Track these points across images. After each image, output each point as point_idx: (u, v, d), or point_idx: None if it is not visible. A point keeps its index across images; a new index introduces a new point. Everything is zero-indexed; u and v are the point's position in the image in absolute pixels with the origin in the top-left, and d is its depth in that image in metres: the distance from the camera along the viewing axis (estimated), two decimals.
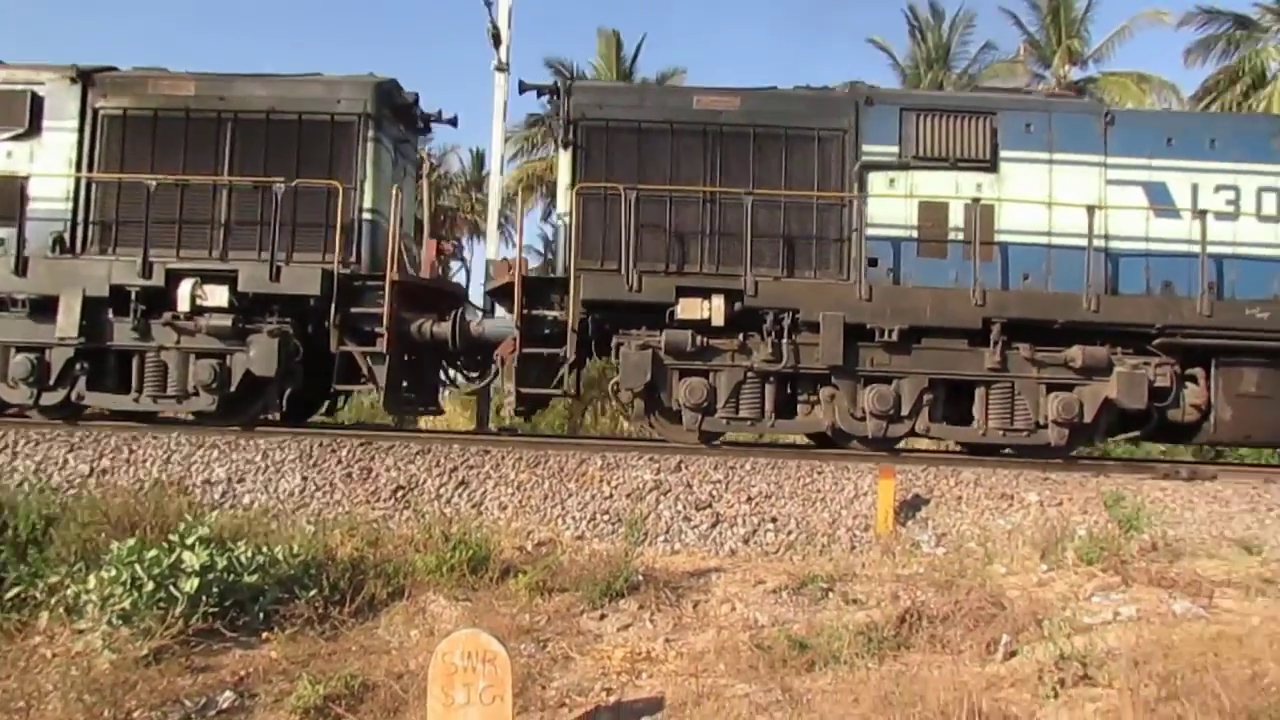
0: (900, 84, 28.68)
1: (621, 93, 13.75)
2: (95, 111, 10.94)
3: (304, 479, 8.44)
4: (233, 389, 10.51)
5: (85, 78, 10.98)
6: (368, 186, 10.87)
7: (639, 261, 10.39)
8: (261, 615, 5.81)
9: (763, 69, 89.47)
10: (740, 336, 10.31)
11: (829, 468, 8.94)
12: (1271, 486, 9.19)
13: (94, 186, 10.89)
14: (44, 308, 10.36)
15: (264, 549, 6.13)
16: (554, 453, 9.04)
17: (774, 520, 8.13)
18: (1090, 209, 10.35)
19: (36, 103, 10.93)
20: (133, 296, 10.37)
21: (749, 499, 8.39)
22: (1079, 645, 4.98)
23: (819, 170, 10.83)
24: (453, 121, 12.63)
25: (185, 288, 10.38)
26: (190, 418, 11.11)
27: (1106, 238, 10.61)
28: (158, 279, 10.40)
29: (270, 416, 11.25)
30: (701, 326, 10.26)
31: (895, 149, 10.81)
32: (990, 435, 10.40)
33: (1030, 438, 10.35)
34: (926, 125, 10.86)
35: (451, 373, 12.18)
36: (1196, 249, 10.44)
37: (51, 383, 10.41)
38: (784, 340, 10.22)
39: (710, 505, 8.29)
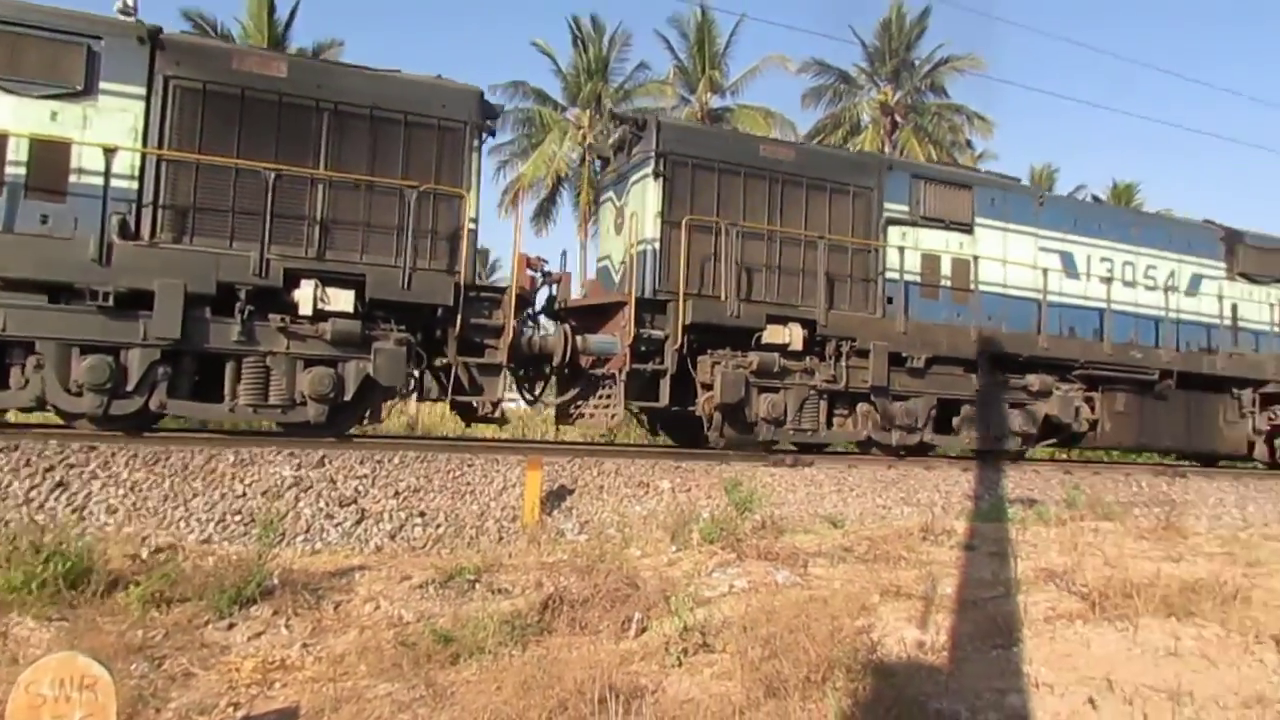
0: (562, 90, 29.73)
1: (702, 134, 15.09)
2: (166, 80, 9.53)
3: None
4: (348, 398, 9.86)
5: (154, 39, 9.50)
6: (473, 196, 10.73)
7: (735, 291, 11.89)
8: None
9: (424, 54, 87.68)
10: (807, 360, 12.12)
11: (479, 460, 9.04)
12: (853, 471, 10.77)
13: (165, 165, 9.47)
14: (125, 302, 8.93)
15: None
16: (177, 448, 8.23)
17: (422, 514, 8.07)
18: (1045, 270, 13.95)
19: (93, 59, 9.21)
20: (242, 295, 9.35)
21: (397, 493, 8.24)
22: (700, 617, 5.49)
23: (854, 220, 12.95)
24: (492, 131, 11.74)
25: (307, 290, 9.65)
26: (274, 427, 10.28)
27: (1042, 292, 13.89)
28: (275, 278, 9.55)
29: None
30: (780, 350, 11.95)
31: (907, 208, 13.30)
32: (976, 443, 13.36)
33: (1000, 444, 13.50)
34: (929, 191, 13.50)
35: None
36: (1089, 303, 14.50)
37: (130, 389, 9.00)
38: (843, 363, 12.26)
39: (355, 501, 8.04)
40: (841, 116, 31.97)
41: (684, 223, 11.65)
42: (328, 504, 7.92)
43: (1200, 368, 15.19)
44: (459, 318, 10.30)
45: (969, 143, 32.14)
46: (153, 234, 9.37)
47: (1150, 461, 16.02)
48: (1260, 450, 16.28)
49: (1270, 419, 16.12)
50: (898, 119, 31.43)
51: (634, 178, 12.44)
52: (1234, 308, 16.07)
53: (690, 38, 30.52)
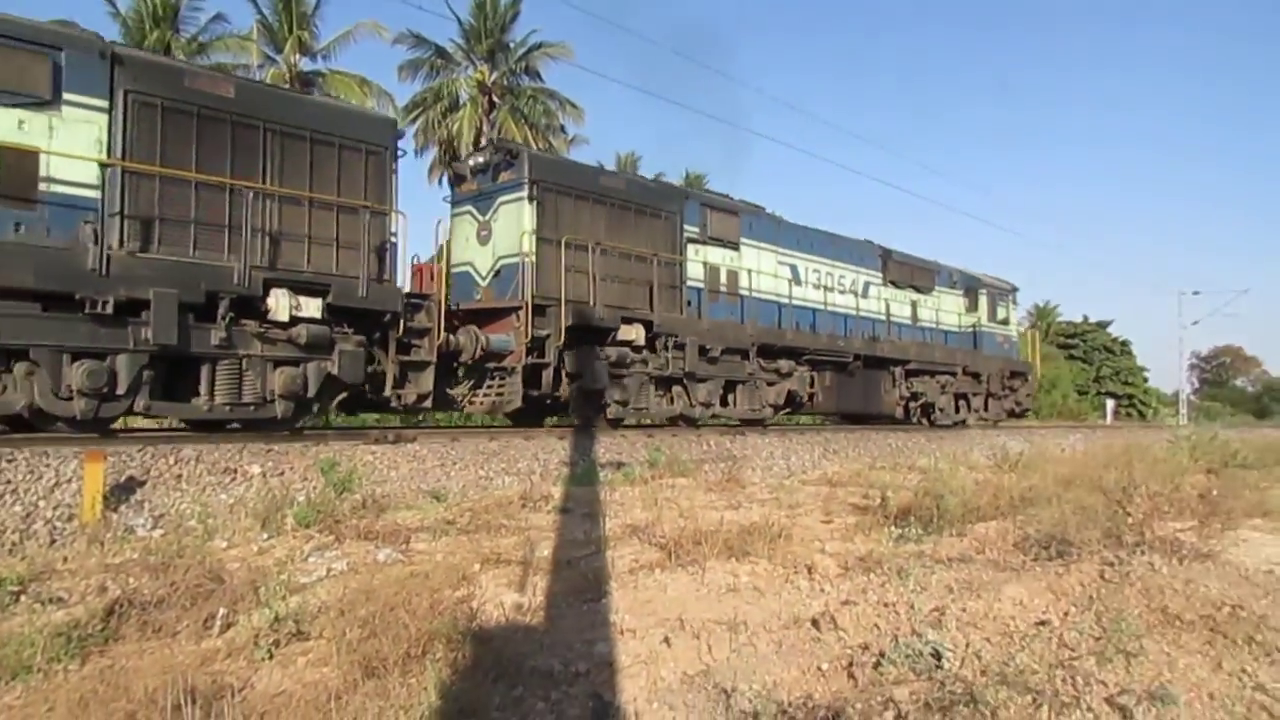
0: (122, 35, 25.96)
1: (562, 165, 16.81)
2: (126, 94, 9.91)
3: None
4: (311, 395, 10.97)
5: (113, 55, 9.93)
6: (394, 213, 12.18)
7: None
8: None
9: None
10: (644, 352, 15.12)
11: (23, 455, 7.77)
12: (456, 445, 10.89)
13: (128, 177, 9.87)
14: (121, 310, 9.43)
15: None
16: None
17: None
18: (789, 280, 18.92)
19: (57, 71, 9.39)
20: (225, 303, 10.16)
21: None
22: (294, 605, 5.23)
23: (664, 239, 16.27)
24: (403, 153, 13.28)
25: (282, 298, 10.68)
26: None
27: (787, 296, 18.71)
28: (255, 287, 10.50)
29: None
30: (629, 345, 14.98)
31: (699, 230, 16.98)
32: (755, 414, 17.83)
33: (758, 413, 17.92)
34: (713, 216, 17.32)
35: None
36: (809, 304, 19.43)
37: (121, 392, 9.50)
38: (668, 354, 15.66)
39: None
40: (440, 91, 31.79)
41: (561, 241, 14.12)
42: None
43: (875, 352, 20.63)
44: (401, 322, 11.92)
45: (563, 127, 33.60)
46: (121, 243, 9.73)
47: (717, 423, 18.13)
48: (900, 413, 22.43)
49: (909, 388, 22.34)
50: (495, 99, 31.97)
51: (504, 198, 14.59)
52: (887, 306, 21.76)
53: None
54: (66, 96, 9.43)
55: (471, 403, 13.77)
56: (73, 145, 9.41)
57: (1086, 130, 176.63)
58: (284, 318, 10.62)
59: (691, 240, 16.72)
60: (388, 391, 11.93)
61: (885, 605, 5.28)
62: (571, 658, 4.65)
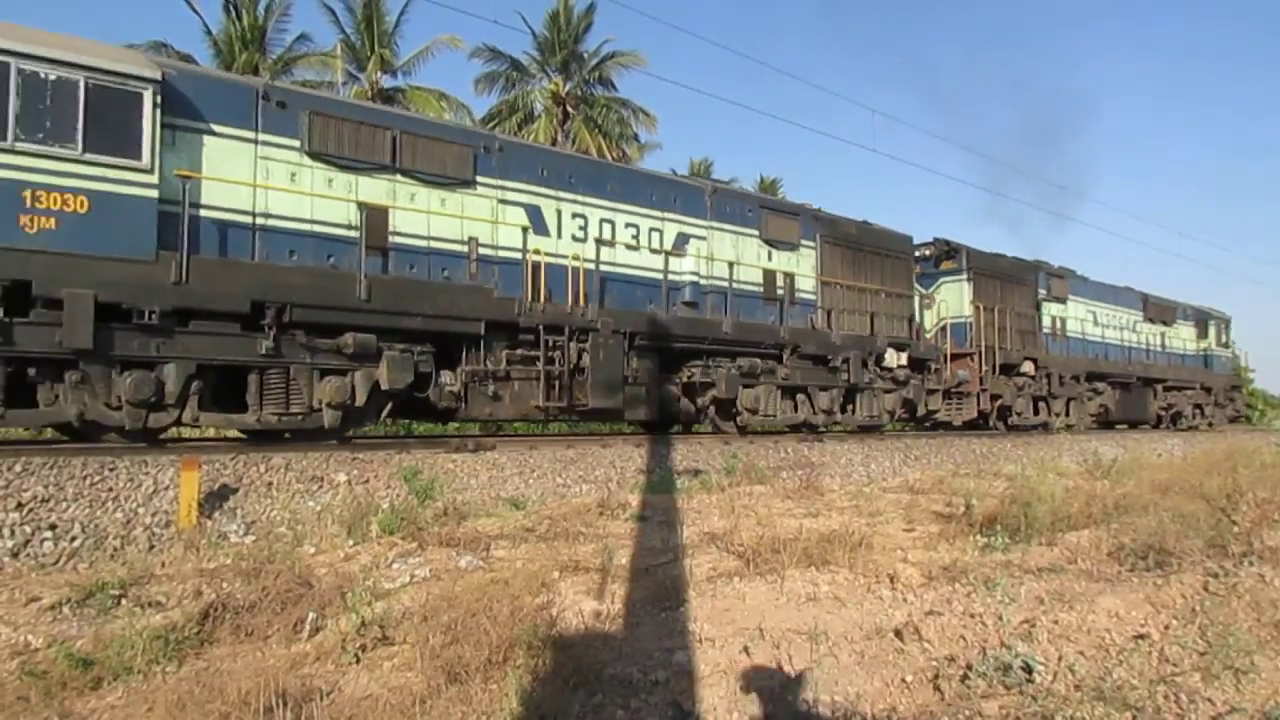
0: (214, 59, 27.06)
1: (981, 254, 22.67)
2: (820, 237, 17.36)
3: None
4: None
5: (814, 215, 17.62)
6: (916, 295, 20.51)
7: None
8: None
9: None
10: (1028, 378, 22.27)
11: (123, 464, 8.09)
12: (534, 452, 10.96)
13: (823, 285, 17.41)
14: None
15: None
16: None
17: (54, 527, 7.09)
18: (1092, 324, 25.83)
19: (805, 226, 17.21)
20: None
21: (20, 505, 7.17)
22: (379, 611, 5.34)
23: (1030, 300, 23.49)
24: None
25: (893, 354, 17.72)
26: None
27: (1100, 337, 25.85)
28: (882, 346, 17.56)
29: None
30: (1024, 375, 22.54)
31: (1045, 291, 24.08)
32: (1080, 422, 24.14)
33: (1080, 422, 24.14)
34: (1053, 281, 24.38)
35: None
36: (1107, 341, 26.06)
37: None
38: (1044, 380, 23.39)
39: None
40: (515, 103, 32.23)
41: (981, 306, 21.03)
42: None
43: (1146, 374, 27.11)
44: (934, 366, 19.43)
45: (636, 136, 33.75)
46: (826, 324, 16.86)
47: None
48: (1154, 420, 28.16)
49: (1165, 401, 28.26)
50: (569, 109, 32.27)
51: (945, 280, 21.57)
52: (1147, 339, 27.84)
53: (357, 14, 29.11)
54: (803, 242, 16.60)
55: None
56: (806, 268, 16.61)
57: (1158, 112, 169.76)
58: (893, 365, 17.52)
59: (1042, 300, 23.23)
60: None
61: (971, 616, 5.12)
62: (650, 666, 4.63)
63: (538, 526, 8.00)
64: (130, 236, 9.16)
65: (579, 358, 12.74)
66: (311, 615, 5.38)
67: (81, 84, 8.88)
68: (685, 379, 14.58)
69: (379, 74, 29.16)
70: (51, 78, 8.75)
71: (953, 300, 20.99)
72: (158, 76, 9.38)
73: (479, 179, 12.24)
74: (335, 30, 29.46)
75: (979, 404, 20.48)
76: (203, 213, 9.81)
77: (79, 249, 8.80)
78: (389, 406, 11.30)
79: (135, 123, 9.20)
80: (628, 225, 14.01)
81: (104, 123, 9.01)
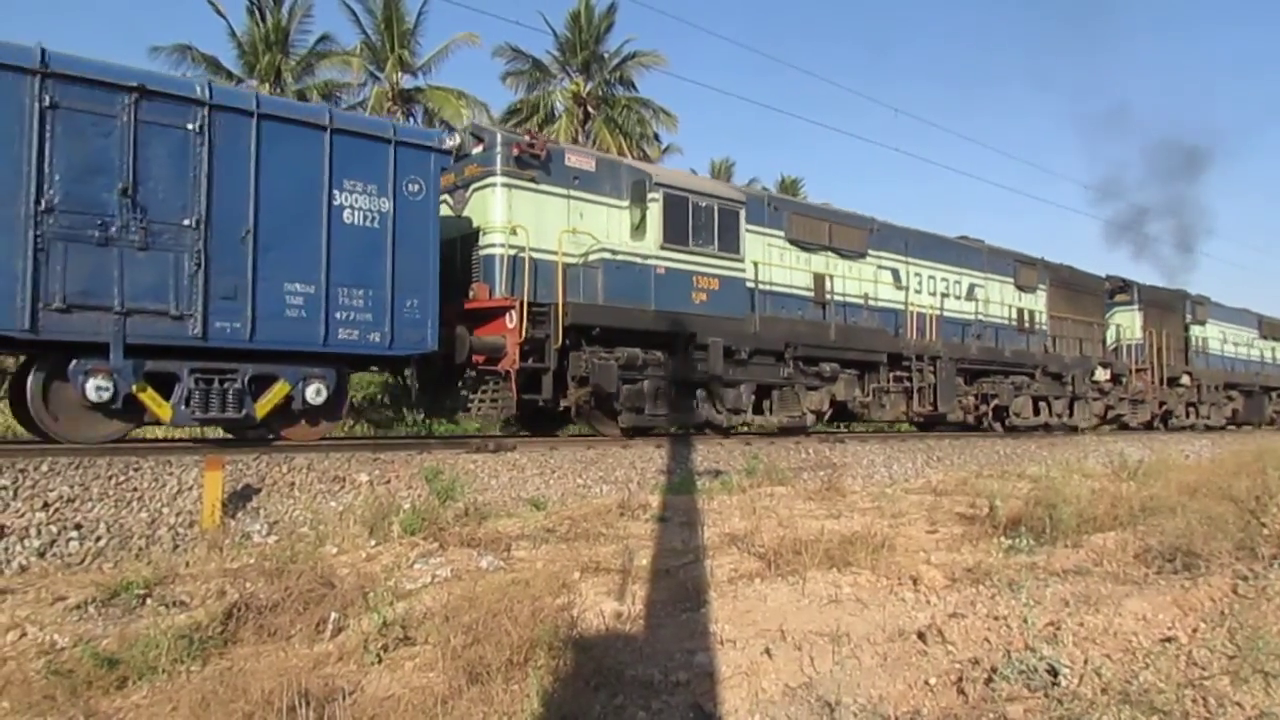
0: (238, 59, 27.38)
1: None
2: (1050, 282, 22.86)
3: None
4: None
5: (1043, 264, 22.78)
6: (1107, 325, 26.43)
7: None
8: None
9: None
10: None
11: (148, 464, 8.17)
12: (554, 453, 10.98)
13: (1051, 318, 23.07)
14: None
15: None
16: None
17: (79, 527, 7.17)
18: (1227, 343, 30.30)
19: (1040, 277, 22.47)
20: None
21: (46, 505, 7.25)
22: (401, 611, 5.35)
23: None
24: None
25: (1101, 370, 23.14)
26: None
27: (1245, 357, 31.15)
28: (1095, 366, 23.73)
29: None
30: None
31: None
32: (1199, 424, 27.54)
33: (1200, 424, 27.47)
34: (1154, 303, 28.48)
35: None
36: (1240, 357, 30.77)
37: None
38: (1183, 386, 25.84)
39: None
40: (536, 103, 32.29)
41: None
42: None
43: (1266, 384, 31.51)
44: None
45: (656, 136, 33.72)
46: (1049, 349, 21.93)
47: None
48: (1269, 419, 32.45)
49: (1276, 405, 32.94)
50: (590, 110, 32.30)
51: (1119, 309, 26.40)
52: (1262, 353, 32.08)
53: (377, 15, 29.27)
54: (1039, 285, 21.86)
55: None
56: (1041, 305, 21.89)
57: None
58: (1100, 379, 22.60)
59: (1189, 323, 27.65)
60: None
61: (995, 618, 5.07)
62: (671, 667, 4.62)
63: (558, 527, 8.00)
64: (737, 304, 14.59)
65: (932, 377, 17.78)
66: (334, 615, 5.40)
67: (715, 208, 14.28)
68: (979, 391, 19.76)
69: (399, 74, 29.29)
70: (702, 205, 14.12)
71: (1126, 325, 25.87)
72: (744, 199, 14.91)
73: (869, 251, 17.57)
74: (356, 30, 29.65)
75: (1151, 410, 25.14)
76: (760, 285, 15.09)
77: (715, 312, 14.10)
78: (829, 411, 16.59)
79: (736, 230, 14.58)
80: (942, 279, 19.49)
81: (724, 232, 14.35)
